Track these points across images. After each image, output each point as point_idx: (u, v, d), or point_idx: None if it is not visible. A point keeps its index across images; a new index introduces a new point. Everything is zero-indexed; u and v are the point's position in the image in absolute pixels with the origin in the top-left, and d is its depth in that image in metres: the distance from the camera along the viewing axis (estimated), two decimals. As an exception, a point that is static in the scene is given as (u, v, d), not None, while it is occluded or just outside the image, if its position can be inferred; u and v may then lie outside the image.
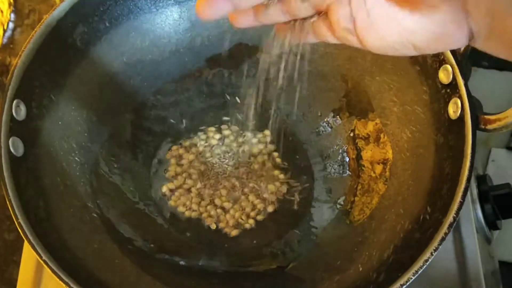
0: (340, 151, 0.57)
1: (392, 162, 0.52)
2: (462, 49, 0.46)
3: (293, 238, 0.54)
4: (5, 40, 0.69)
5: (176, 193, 0.56)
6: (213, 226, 0.54)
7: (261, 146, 0.59)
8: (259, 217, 0.55)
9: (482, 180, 0.57)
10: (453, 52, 0.46)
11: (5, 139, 0.44)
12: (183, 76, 0.59)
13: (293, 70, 0.59)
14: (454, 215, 0.41)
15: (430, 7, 0.29)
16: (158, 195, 0.56)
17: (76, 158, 0.52)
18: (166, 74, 0.59)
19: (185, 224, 0.55)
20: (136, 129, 0.58)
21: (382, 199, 0.51)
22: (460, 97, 0.44)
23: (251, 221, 0.54)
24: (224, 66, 0.60)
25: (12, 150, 0.45)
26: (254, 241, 0.54)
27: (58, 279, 0.40)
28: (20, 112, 0.47)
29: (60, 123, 0.51)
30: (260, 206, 0.55)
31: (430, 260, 0.39)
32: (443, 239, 0.40)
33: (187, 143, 0.59)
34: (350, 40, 0.32)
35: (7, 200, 0.43)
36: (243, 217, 0.55)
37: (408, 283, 0.39)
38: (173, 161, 0.58)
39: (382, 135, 0.54)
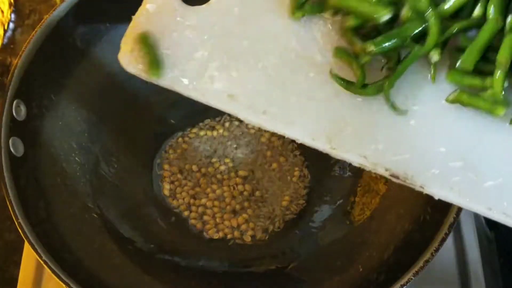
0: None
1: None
2: None
3: (293, 238, 0.53)
4: (5, 40, 0.69)
5: (177, 194, 0.56)
6: (214, 232, 0.54)
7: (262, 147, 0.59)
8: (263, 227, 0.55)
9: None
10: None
11: (5, 139, 0.44)
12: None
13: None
14: (455, 216, 0.41)
15: None
16: (158, 195, 0.56)
17: (76, 158, 0.52)
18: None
19: (185, 225, 0.55)
20: (136, 129, 0.58)
21: (382, 200, 0.51)
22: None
23: (250, 232, 0.54)
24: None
25: (12, 150, 0.45)
26: (254, 242, 0.54)
27: (58, 279, 0.40)
28: (20, 112, 0.47)
29: (60, 123, 0.51)
30: (265, 218, 0.55)
31: (430, 260, 0.39)
32: (443, 239, 0.40)
33: (188, 143, 0.59)
34: None
35: (7, 200, 0.43)
36: (246, 223, 0.55)
37: (408, 284, 0.39)
38: (174, 161, 0.58)
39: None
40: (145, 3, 0.40)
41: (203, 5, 0.39)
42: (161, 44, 0.38)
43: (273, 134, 0.59)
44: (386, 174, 0.34)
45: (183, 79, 0.38)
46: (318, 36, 0.37)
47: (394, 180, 0.34)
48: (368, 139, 0.35)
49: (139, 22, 0.40)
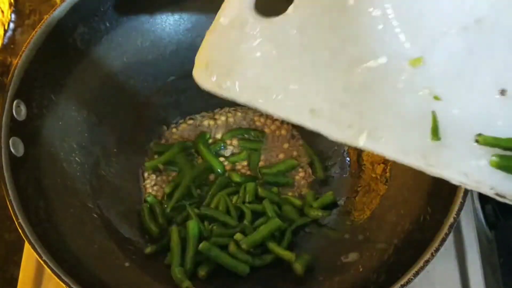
0: (341, 151, 0.57)
1: (392, 162, 0.52)
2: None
3: (294, 238, 0.53)
4: (5, 40, 0.69)
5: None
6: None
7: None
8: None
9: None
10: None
11: (5, 139, 0.44)
12: (184, 76, 0.59)
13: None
14: (455, 216, 0.41)
15: None
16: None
17: (77, 158, 0.52)
18: (167, 74, 0.59)
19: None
20: (136, 129, 0.58)
21: (382, 200, 0.51)
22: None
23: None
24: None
25: (12, 150, 0.45)
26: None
27: (58, 279, 0.40)
28: (20, 112, 0.47)
29: (60, 123, 0.51)
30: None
31: (430, 260, 0.39)
32: (443, 239, 0.40)
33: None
34: None
35: (7, 200, 0.43)
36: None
37: (408, 284, 0.39)
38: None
39: (382, 136, 0.53)
40: (218, 17, 0.38)
41: (279, 16, 0.37)
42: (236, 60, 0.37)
43: (276, 128, 0.59)
44: (491, 194, 0.30)
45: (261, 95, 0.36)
46: None
47: (499, 199, 0.30)
48: (469, 155, 0.30)
49: (213, 36, 0.38)
